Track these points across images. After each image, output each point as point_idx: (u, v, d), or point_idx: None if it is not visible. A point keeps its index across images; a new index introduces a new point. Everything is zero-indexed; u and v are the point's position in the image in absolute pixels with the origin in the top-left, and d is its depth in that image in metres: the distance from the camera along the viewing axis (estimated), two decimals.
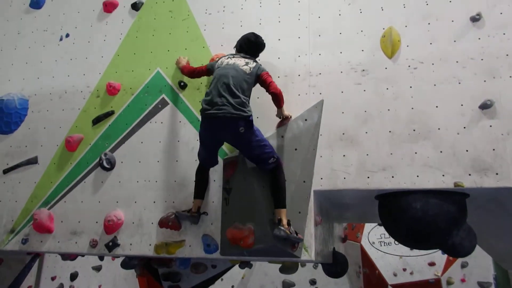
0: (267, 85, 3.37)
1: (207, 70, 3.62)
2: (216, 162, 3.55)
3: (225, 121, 3.17)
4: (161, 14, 4.27)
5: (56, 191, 3.99)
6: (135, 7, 4.36)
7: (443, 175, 3.14)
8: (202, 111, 3.26)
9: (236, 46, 3.59)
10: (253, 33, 3.59)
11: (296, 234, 3.16)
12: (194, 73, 3.72)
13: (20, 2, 4.81)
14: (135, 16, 4.35)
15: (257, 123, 3.61)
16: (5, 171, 4.18)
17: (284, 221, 3.17)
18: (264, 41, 3.62)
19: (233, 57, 3.46)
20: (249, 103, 3.28)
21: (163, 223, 3.59)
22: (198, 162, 3.59)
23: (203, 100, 3.28)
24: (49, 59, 4.47)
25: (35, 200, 4.01)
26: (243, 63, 3.38)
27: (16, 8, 4.82)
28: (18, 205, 4.03)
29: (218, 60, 3.51)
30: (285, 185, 3.30)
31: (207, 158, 3.49)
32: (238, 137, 3.24)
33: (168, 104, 3.96)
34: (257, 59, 3.56)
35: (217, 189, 3.58)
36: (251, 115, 3.23)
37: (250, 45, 3.55)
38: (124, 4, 4.43)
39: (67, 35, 4.49)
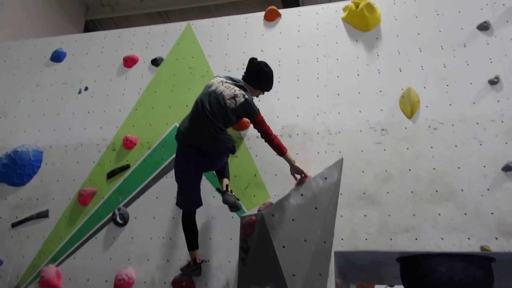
0: (269, 134, 3.26)
1: None
2: (201, 202, 3.33)
3: (200, 149, 3.13)
4: (180, 70, 4.35)
5: (66, 246, 3.85)
6: (155, 63, 4.45)
7: (468, 238, 3.06)
8: (178, 139, 3.24)
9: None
10: (264, 63, 3.40)
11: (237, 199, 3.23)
12: None
13: (41, 55, 4.90)
14: (154, 72, 4.42)
15: (274, 181, 3.60)
16: (14, 225, 4.05)
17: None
18: (269, 73, 3.39)
19: (225, 82, 3.27)
20: (227, 133, 3.23)
21: (176, 283, 3.43)
22: (213, 218, 3.51)
23: (181, 125, 3.23)
24: (66, 111, 4.48)
25: (43, 256, 3.85)
26: (231, 95, 3.17)
27: (36, 61, 4.89)
28: (25, 261, 3.87)
29: (213, 78, 3.37)
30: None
31: (191, 195, 3.28)
32: (211, 158, 3.22)
33: None
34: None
35: (234, 248, 3.46)
36: (232, 147, 3.26)
37: (251, 69, 3.39)
38: (144, 59, 4.52)
39: (86, 89, 4.54)
